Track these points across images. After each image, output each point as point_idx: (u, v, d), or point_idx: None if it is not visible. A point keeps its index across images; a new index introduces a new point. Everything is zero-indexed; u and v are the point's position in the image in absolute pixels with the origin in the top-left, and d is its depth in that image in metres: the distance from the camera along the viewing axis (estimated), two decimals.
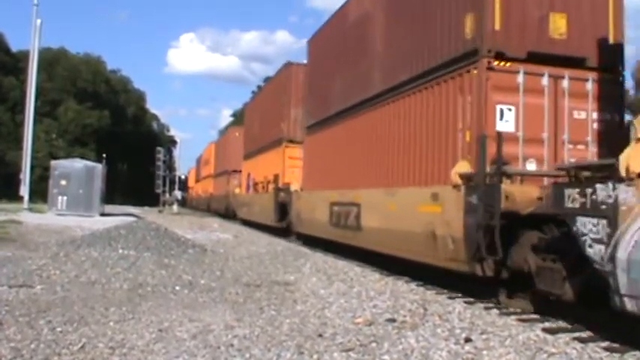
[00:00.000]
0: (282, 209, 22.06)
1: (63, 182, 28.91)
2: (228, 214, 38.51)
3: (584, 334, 7.07)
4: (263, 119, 28.43)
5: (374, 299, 9.12)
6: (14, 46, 71.81)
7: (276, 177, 23.19)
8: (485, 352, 6.20)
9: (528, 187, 9.07)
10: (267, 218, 24.09)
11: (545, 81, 9.73)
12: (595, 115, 9.84)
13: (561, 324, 7.65)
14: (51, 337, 6.35)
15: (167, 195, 60.17)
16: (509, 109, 9.53)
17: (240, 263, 13.57)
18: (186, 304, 8.43)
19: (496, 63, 9.50)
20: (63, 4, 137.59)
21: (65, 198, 28.75)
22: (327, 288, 10.19)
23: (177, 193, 65.52)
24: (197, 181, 66.46)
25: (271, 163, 24.71)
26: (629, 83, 16.99)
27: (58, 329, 6.65)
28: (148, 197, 65.41)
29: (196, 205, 62.58)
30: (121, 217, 27.82)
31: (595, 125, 9.82)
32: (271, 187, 23.77)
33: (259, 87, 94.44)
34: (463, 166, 9.57)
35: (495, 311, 8.56)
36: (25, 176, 30.92)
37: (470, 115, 9.69)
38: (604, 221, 6.52)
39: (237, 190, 35.01)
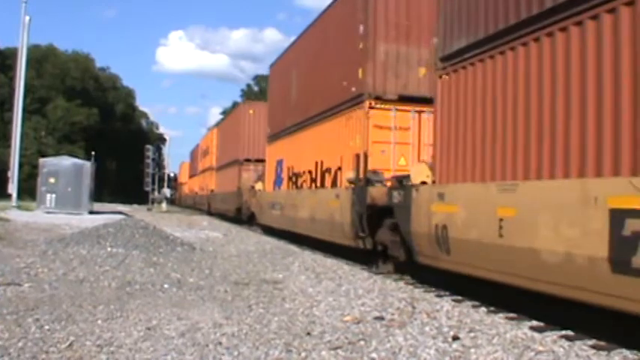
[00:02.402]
0: (374, 217, 12.76)
1: (51, 180, 28.80)
2: (239, 217, 30.09)
3: (571, 333, 7.12)
4: (314, 73, 18.25)
5: (362, 297, 9.13)
6: (2, 43, 71.81)
7: (358, 160, 13.58)
8: (472, 350, 6.22)
9: None
10: (333, 231, 14.89)
11: None
12: None
13: (549, 322, 7.69)
14: (39, 335, 6.32)
15: (156, 193, 60.02)
16: None
17: (228, 261, 13.56)
18: (175, 303, 8.42)
19: None
20: (51, 1, 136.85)
21: (54, 196, 28.63)
22: (315, 286, 10.20)
23: (166, 191, 65.34)
24: (192, 176, 57.97)
25: (335, 140, 15.51)
26: None
27: (46, 327, 6.62)
28: (136, 195, 65.33)
29: (192, 205, 54.87)
30: (110, 215, 27.74)
31: None
32: (345, 178, 14.21)
33: (249, 85, 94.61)
34: None
35: (483, 309, 8.60)
36: (14, 174, 30.75)
37: None
38: None
39: (257, 186, 25.78)
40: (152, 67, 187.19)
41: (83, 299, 8.34)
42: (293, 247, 17.36)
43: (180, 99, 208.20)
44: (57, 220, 22.79)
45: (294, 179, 19.61)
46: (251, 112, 30.97)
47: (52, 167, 29.33)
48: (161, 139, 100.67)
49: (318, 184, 16.84)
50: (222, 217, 34.96)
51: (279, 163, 21.69)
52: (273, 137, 23.20)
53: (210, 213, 40.89)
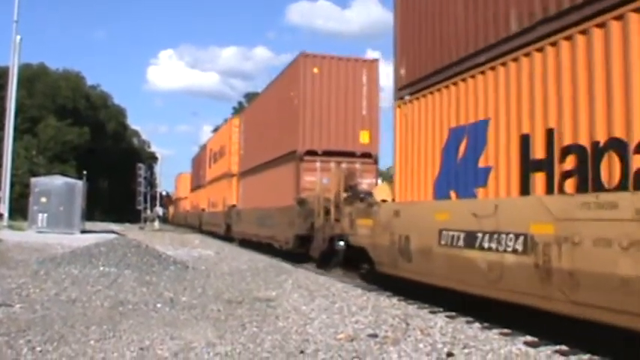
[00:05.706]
0: None
1: (43, 199, 28.68)
2: (303, 252, 17.90)
3: (566, 347, 7.12)
4: None
5: (356, 314, 9.11)
6: None
7: None
8: None
9: None
10: None
11: None
12: None
13: (543, 337, 7.69)
14: (31, 356, 6.27)
15: (148, 212, 59.85)
16: None
17: (221, 280, 13.51)
18: (168, 322, 8.38)
19: None
20: (42, 20, 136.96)
21: (45, 215, 28.50)
22: (308, 304, 10.16)
23: (159, 210, 65.21)
24: (195, 188, 47.05)
25: None
26: None
27: (38, 349, 6.57)
28: (129, 214, 65.07)
29: (196, 225, 43.89)
30: (102, 234, 27.63)
31: None
32: None
33: (240, 103, 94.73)
34: None
35: (477, 325, 8.59)
36: (5, 193, 30.68)
37: None
38: None
39: (379, 193, 13.02)
40: (143, 86, 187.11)
41: (75, 320, 8.29)
42: (286, 265, 17.30)
43: (171, 117, 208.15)
44: (49, 239, 22.67)
45: (572, 166, 7.11)
46: (315, 70, 19.05)
47: (43, 187, 29.22)
48: (153, 158, 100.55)
49: None
50: (259, 248, 22.94)
51: (465, 132, 9.53)
52: (439, 75, 10.49)
53: (229, 238, 29.74)
